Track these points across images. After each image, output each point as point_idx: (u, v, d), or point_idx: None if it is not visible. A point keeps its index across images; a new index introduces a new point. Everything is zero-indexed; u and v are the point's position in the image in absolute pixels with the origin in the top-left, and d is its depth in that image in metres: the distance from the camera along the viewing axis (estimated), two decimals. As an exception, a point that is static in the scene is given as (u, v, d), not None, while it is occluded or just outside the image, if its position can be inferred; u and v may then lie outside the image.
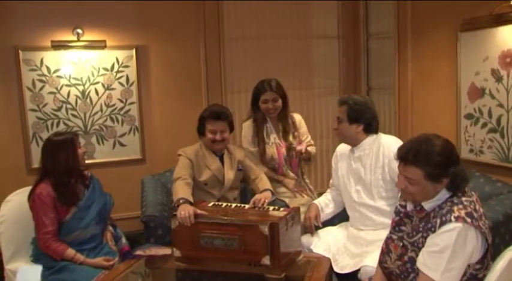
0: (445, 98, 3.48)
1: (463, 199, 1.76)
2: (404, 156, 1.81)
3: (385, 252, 1.94)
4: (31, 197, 2.49)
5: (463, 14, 3.22)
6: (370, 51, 4.46)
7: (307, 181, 3.32)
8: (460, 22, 3.24)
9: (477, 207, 1.77)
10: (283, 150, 3.14)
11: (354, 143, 2.61)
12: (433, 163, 1.75)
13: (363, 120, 2.55)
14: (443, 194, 1.79)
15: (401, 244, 1.87)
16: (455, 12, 3.31)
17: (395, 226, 1.95)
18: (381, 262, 1.95)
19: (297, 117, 3.28)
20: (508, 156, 3.04)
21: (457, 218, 1.68)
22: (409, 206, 1.92)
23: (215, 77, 4.09)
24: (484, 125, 3.18)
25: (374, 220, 2.52)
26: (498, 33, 3.01)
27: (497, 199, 2.69)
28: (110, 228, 2.73)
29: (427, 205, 1.82)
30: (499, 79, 3.04)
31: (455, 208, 1.71)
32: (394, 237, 1.93)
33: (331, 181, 2.87)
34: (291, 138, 3.15)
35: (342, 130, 2.59)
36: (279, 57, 4.27)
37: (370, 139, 2.57)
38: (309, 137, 3.25)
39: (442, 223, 1.70)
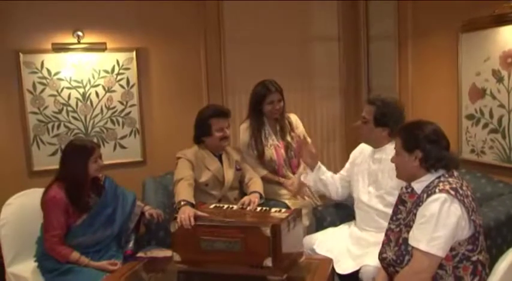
0: (446, 99, 3.48)
1: (450, 179, 1.84)
2: (397, 130, 2.01)
3: (385, 243, 1.97)
4: (44, 197, 2.47)
5: (463, 15, 3.22)
6: (370, 53, 4.45)
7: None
8: (461, 23, 3.24)
9: (464, 187, 1.83)
10: (282, 151, 3.14)
11: (376, 145, 2.53)
12: (412, 134, 1.91)
13: (390, 124, 2.44)
14: (431, 175, 1.88)
15: (398, 229, 1.93)
16: (456, 13, 3.30)
17: (393, 216, 1.99)
18: (381, 253, 1.96)
19: (293, 118, 3.29)
20: (510, 156, 3.04)
21: (441, 190, 1.78)
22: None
23: (216, 78, 4.08)
24: (485, 125, 3.17)
25: (380, 223, 2.47)
26: (499, 33, 3.01)
27: (499, 200, 2.69)
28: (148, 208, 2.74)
29: (416, 185, 1.91)
30: (500, 79, 3.04)
31: (440, 184, 1.82)
32: (393, 226, 1.97)
33: (341, 171, 2.81)
34: (288, 138, 3.15)
35: (366, 131, 2.50)
36: (279, 58, 4.26)
37: (393, 145, 2.50)
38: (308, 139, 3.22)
39: (428, 196, 1.80)
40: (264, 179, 3.05)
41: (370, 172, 2.55)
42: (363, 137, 2.58)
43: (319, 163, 2.77)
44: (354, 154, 2.75)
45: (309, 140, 3.20)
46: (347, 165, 2.77)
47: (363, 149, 2.66)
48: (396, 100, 2.58)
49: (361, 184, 2.59)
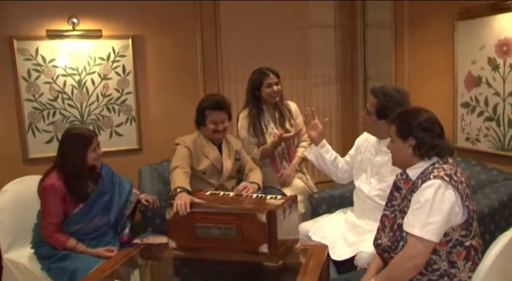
0: (442, 87, 3.48)
1: (445, 166, 1.85)
2: (392, 117, 2.00)
3: (380, 229, 1.98)
4: (42, 185, 2.46)
5: (459, 3, 3.21)
6: (367, 41, 4.44)
7: (304, 170, 3.33)
8: (457, 11, 3.23)
9: (458, 174, 1.84)
10: None
11: (380, 136, 2.49)
12: (406, 121, 1.91)
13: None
14: (426, 162, 1.88)
15: (393, 216, 1.94)
16: (452, 1, 3.29)
17: (388, 203, 2.00)
18: (376, 239, 1.98)
19: (293, 106, 3.28)
20: (504, 144, 3.06)
21: (436, 177, 1.79)
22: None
23: (212, 66, 4.07)
24: (481, 113, 3.18)
25: (377, 215, 2.42)
26: (495, 21, 3.01)
27: (493, 187, 2.70)
28: (143, 196, 2.74)
29: (411, 172, 1.92)
30: (495, 68, 3.04)
31: (435, 170, 1.82)
32: (388, 212, 1.98)
33: (346, 156, 2.77)
34: (287, 125, 3.15)
35: (370, 122, 2.48)
36: (275, 46, 4.25)
37: None
38: (306, 134, 3.14)
39: (423, 182, 1.81)
40: (262, 152, 3.07)
41: (374, 163, 2.53)
42: (368, 128, 2.56)
43: (324, 140, 2.73)
44: (359, 140, 2.72)
45: (308, 140, 3.18)
46: (351, 151, 2.75)
47: (368, 138, 2.63)
48: (400, 91, 2.47)
49: (363, 173, 2.58)
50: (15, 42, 3.49)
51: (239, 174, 3.06)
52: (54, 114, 3.66)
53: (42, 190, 2.45)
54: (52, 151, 2.61)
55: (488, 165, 2.94)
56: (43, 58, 3.58)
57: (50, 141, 3.64)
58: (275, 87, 3.08)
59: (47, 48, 3.58)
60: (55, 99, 3.65)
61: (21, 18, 3.51)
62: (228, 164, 2.90)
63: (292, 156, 3.21)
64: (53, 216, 2.42)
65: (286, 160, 3.19)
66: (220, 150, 2.92)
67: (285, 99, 3.24)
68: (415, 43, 3.75)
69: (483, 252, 1.78)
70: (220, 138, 2.90)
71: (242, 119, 3.18)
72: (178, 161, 2.72)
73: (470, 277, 1.77)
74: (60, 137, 2.60)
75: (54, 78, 3.62)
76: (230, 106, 2.89)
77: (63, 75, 3.64)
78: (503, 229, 1.83)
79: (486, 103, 3.13)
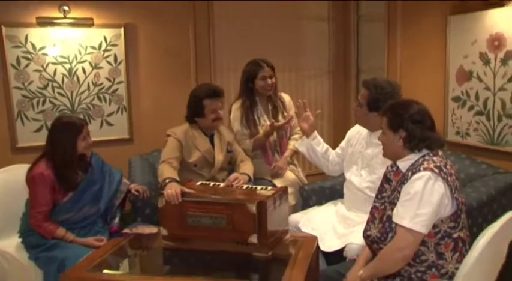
0: (434, 81, 3.50)
1: (435, 158, 1.86)
2: (383, 109, 2.01)
3: (370, 221, 1.99)
4: (30, 173, 2.44)
5: (453, -3, 3.22)
6: (360, 34, 4.44)
7: (296, 162, 3.33)
8: (450, 5, 3.24)
9: (448, 166, 1.85)
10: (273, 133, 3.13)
11: (371, 129, 2.50)
12: (397, 113, 1.92)
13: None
14: (416, 154, 1.90)
15: (382, 207, 1.95)
16: (445, -5, 3.30)
17: (378, 194, 2.01)
18: (365, 231, 1.99)
19: (286, 98, 3.27)
20: (494, 138, 3.08)
21: (426, 169, 1.80)
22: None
23: (204, 56, 4.05)
24: (471, 108, 3.20)
25: (367, 207, 2.41)
26: (487, 16, 3.02)
27: (482, 180, 2.73)
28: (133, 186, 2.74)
29: (401, 164, 1.93)
30: (486, 62, 3.06)
31: (425, 162, 1.84)
32: (377, 204, 1.99)
33: (337, 149, 2.78)
34: (280, 117, 3.14)
35: (361, 114, 2.48)
36: (268, 37, 4.23)
37: None
38: (298, 127, 3.12)
39: (413, 174, 1.82)
40: (255, 142, 3.07)
41: (364, 155, 2.54)
42: (359, 120, 2.57)
43: (315, 132, 2.74)
44: (350, 133, 2.72)
45: (300, 133, 3.17)
46: (342, 143, 2.75)
47: (360, 130, 2.63)
48: (391, 83, 2.47)
49: (354, 165, 2.59)
50: (4, 29, 3.44)
51: (230, 165, 3.05)
52: (43, 102, 3.61)
53: (31, 179, 2.43)
54: (41, 139, 2.58)
55: (478, 159, 2.96)
56: (33, 46, 3.53)
57: (39, 130, 3.60)
58: (269, 81, 3.07)
59: (37, 36, 3.53)
60: (45, 87, 3.60)
61: (10, 5, 3.45)
62: (219, 157, 2.89)
63: (284, 148, 3.20)
64: (41, 205, 2.41)
65: (278, 152, 3.19)
66: (212, 142, 2.90)
67: (278, 92, 3.23)
68: (408, 37, 3.76)
69: (470, 244, 1.80)
70: (218, 127, 2.90)
71: (235, 111, 3.17)
72: (167, 155, 2.71)
73: (457, 268, 1.78)
74: (49, 126, 2.57)
75: (44, 66, 3.58)
76: (224, 93, 2.90)
77: (54, 63, 3.60)
78: (491, 222, 1.85)
79: (477, 97, 3.15)
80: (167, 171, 2.56)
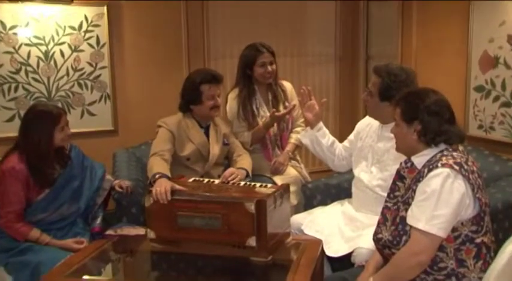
0: (453, 69, 3.49)
1: (454, 153, 1.84)
2: (397, 99, 1.99)
3: (381, 223, 1.98)
4: (0, 167, 2.43)
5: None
6: (370, 16, 4.43)
7: (298, 158, 3.34)
8: (473, -18, 3.22)
9: (469, 163, 1.83)
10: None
11: (383, 121, 2.48)
12: (412, 104, 1.90)
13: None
14: (433, 149, 1.88)
15: (395, 208, 1.93)
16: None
17: (390, 193, 1.99)
18: (376, 233, 1.98)
19: (288, 86, 3.28)
20: (521, 133, 3.07)
21: (444, 165, 1.77)
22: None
23: (197, 40, 4.04)
24: (496, 98, 3.19)
25: (377, 208, 2.41)
26: (516, -6, 2.99)
27: (508, 180, 2.72)
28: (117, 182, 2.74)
29: (416, 160, 1.91)
30: (515, 47, 3.03)
31: (443, 158, 1.81)
32: (389, 204, 1.97)
33: (345, 142, 2.77)
34: (281, 108, 3.14)
35: (372, 105, 2.47)
36: (268, 20, 4.23)
37: None
38: (301, 119, 3.14)
39: (430, 171, 1.79)
40: (254, 134, 3.07)
41: (375, 150, 2.53)
42: (370, 111, 2.56)
43: (321, 123, 2.73)
44: (360, 125, 2.72)
45: (303, 125, 3.16)
46: (351, 136, 2.75)
47: (370, 123, 2.62)
48: (406, 70, 2.45)
49: (364, 161, 2.58)
50: (-31, 5, 3.41)
51: (226, 160, 3.06)
52: (16, 89, 3.59)
53: (1, 174, 2.42)
54: (13, 130, 2.58)
55: (503, 156, 2.96)
56: (2, 24, 3.49)
57: (11, 119, 3.58)
58: (269, 68, 3.07)
59: (8, 13, 3.49)
60: (17, 72, 3.58)
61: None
62: (215, 150, 2.89)
63: (285, 142, 3.21)
64: (13, 203, 2.40)
65: (278, 147, 3.20)
66: (207, 134, 2.91)
67: (279, 79, 3.22)
68: (425, 19, 3.74)
69: (496, 251, 1.78)
70: (215, 116, 2.91)
71: (231, 100, 3.17)
72: (158, 147, 2.72)
73: (481, 278, 1.77)
74: (23, 115, 2.57)
75: (16, 47, 3.55)
76: (223, 79, 2.91)
77: (27, 44, 3.57)
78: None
79: (503, 87, 3.13)
80: (157, 165, 2.56)
